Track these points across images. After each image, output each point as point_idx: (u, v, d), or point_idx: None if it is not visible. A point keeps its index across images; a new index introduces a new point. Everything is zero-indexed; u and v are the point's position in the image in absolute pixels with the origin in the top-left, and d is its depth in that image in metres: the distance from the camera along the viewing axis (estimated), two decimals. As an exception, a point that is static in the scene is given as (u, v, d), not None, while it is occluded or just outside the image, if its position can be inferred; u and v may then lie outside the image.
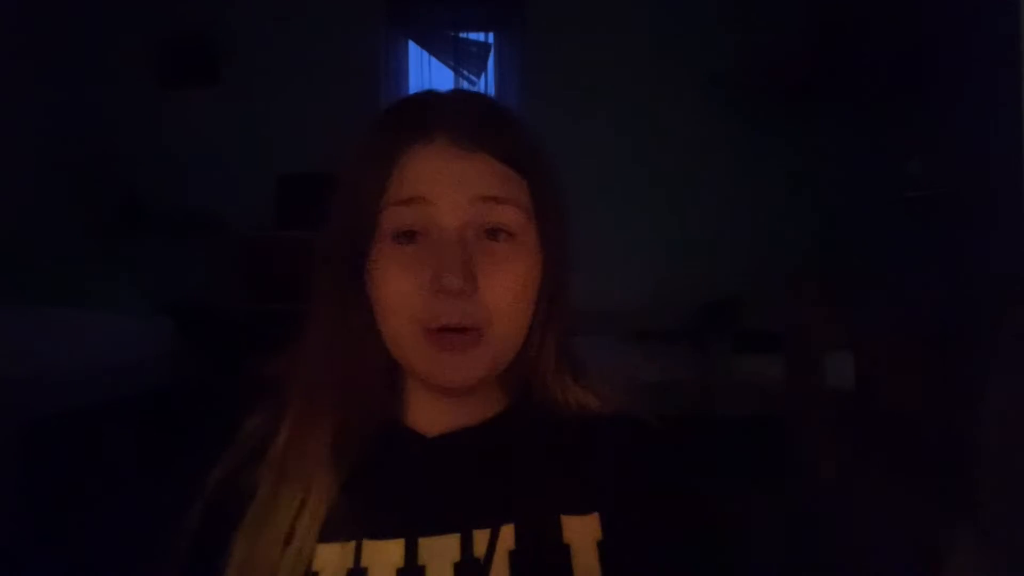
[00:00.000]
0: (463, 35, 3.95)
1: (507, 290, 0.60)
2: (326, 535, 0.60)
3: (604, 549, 0.60)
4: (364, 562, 0.59)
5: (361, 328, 0.63)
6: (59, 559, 1.97)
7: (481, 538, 0.60)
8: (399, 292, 0.60)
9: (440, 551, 0.59)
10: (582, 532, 0.60)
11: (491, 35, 3.97)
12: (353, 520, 0.60)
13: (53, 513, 2.29)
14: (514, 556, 0.59)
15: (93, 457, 2.74)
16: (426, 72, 3.97)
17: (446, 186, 0.60)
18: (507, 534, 0.60)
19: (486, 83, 3.95)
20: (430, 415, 0.65)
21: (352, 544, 0.59)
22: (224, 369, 3.38)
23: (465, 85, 3.94)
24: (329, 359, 0.64)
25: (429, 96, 0.66)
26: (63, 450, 2.63)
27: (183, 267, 3.61)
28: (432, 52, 3.96)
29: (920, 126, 3.43)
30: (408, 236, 0.60)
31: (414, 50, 3.98)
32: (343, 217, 0.63)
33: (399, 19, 3.91)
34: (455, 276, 0.57)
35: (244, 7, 3.87)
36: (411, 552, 0.59)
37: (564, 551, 0.59)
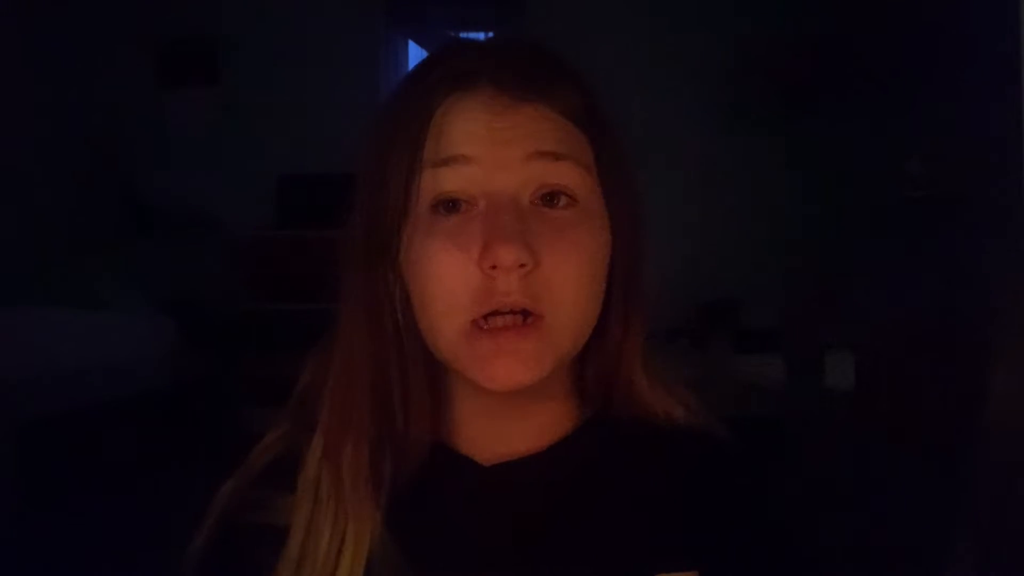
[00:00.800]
0: (463, 35, 3.94)
1: (574, 264, 0.49)
2: (372, 570, 0.50)
3: None
4: None
5: (397, 329, 0.52)
6: (59, 559, 1.97)
7: None
8: (443, 276, 0.49)
9: None
10: None
11: (491, 35, 3.97)
12: (403, 556, 0.50)
13: (52, 513, 2.29)
14: None
15: (92, 457, 2.74)
16: (426, 72, 3.97)
17: (493, 142, 0.49)
18: None
19: (486, 83, 3.95)
20: (485, 436, 0.54)
21: None
22: (224, 369, 3.39)
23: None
24: (361, 369, 0.53)
25: (471, 42, 0.56)
26: (63, 450, 2.63)
27: (183, 267, 3.61)
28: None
29: (920, 126, 3.43)
30: (450, 205, 0.50)
31: (414, 50, 3.98)
32: (371, 189, 0.52)
33: (399, 19, 3.91)
34: (511, 246, 0.46)
35: (244, 7, 3.86)
36: None
37: None
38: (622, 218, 0.54)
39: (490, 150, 0.49)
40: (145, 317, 3.10)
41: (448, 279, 0.49)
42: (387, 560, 0.50)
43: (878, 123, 3.62)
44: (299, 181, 3.65)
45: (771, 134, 3.83)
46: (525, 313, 0.48)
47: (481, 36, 3.66)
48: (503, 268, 0.47)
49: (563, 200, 0.50)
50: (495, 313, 0.48)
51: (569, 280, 0.49)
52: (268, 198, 3.67)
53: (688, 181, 3.88)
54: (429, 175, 0.50)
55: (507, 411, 0.54)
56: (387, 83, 3.88)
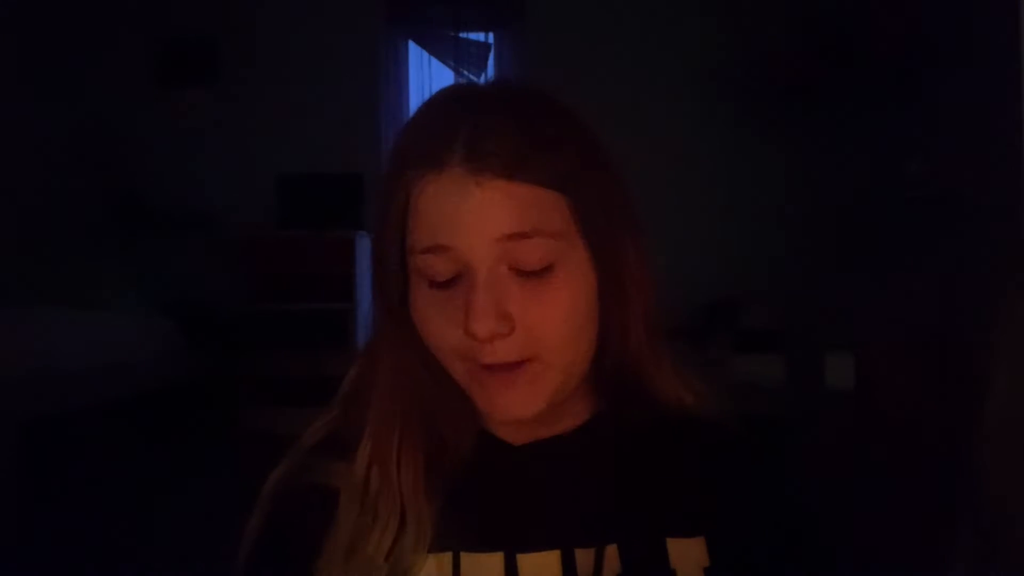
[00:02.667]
0: (463, 35, 3.94)
1: (554, 321, 0.55)
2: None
3: None
4: (463, 574, 0.56)
5: (421, 354, 0.59)
6: (59, 559, 1.97)
7: (584, 558, 0.56)
8: (440, 335, 0.56)
9: (541, 568, 0.56)
10: (688, 557, 0.57)
11: (491, 35, 3.97)
12: (448, 532, 0.57)
13: (53, 513, 2.29)
14: None
15: (93, 457, 2.74)
16: (426, 72, 3.97)
17: (464, 228, 0.53)
18: (611, 555, 0.56)
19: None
20: (519, 423, 0.60)
21: (449, 556, 0.56)
22: (224, 369, 3.39)
23: (465, 85, 3.94)
24: (400, 375, 0.60)
25: (452, 100, 0.59)
26: (63, 450, 2.63)
27: (183, 267, 3.61)
28: (432, 52, 3.95)
29: (920, 126, 3.43)
30: (443, 283, 0.56)
31: (414, 50, 3.98)
32: (377, 255, 0.59)
33: (399, 19, 3.91)
34: (482, 323, 0.53)
35: (244, 7, 3.86)
36: (511, 566, 0.56)
37: None
38: (607, 261, 0.58)
39: (463, 236, 0.54)
40: (145, 317, 3.10)
41: (445, 341, 0.56)
42: (437, 532, 0.56)
43: (878, 123, 3.62)
44: (299, 181, 3.66)
45: (771, 134, 3.83)
46: (513, 364, 0.55)
47: (481, 37, 3.63)
48: (479, 339, 0.53)
49: (538, 269, 0.55)
50: (488, 365, 0.55)
51: (549, 333, 0.55)
52: (268, 198, 3.67)
53: (688, 181, 3.88)
54: (420, 259, 0.56)
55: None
56: (387, 83, 3.89)
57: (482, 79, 3.93)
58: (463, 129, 0.54)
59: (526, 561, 0.56)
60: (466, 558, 0.57)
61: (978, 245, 2.94)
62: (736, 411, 0.65)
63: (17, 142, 3.24)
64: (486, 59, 3.96)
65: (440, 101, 0.60)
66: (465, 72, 3.94)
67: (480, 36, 3.98)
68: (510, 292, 0.54)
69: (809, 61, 3.59)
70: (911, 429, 1.60)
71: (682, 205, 3.87)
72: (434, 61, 3.96)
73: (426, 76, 3.97)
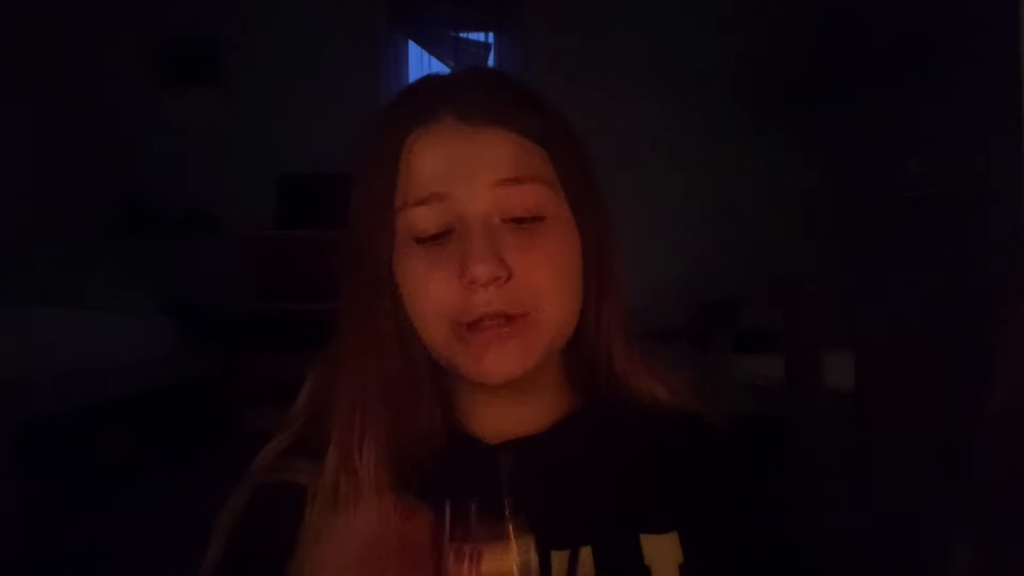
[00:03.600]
0: (463, 35, 3.95)
1: (546, 271, 0.55)
2: None
3: (686, 572, 0.56)
4: None
5: (397, 338, 0.58)
6: (59, 559, 1.97)
7: (559, 560, 0.55)
8: (430, 293, 0.55)
9: None
10: (663, 553, 0.57)
11: (491, 35, 3.97)
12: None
13: (53, 513, 2.29)
14: None
15: (92, 457, 2.74)
16: (426, 72, 3.97)
17: (459, 175, 0.55)
18: (586, 557, 0.56)
19: (486, 83, 3.95)
20: (490, 419, 0.60)
21: None
22: (224, 369, 3.39)
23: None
24: (369, 379, 0.58)
25: (431, 77, 0.62)
26: (63, 450, 2.63)
27: (183, 267, 3.61)
28: (432, 52, 3.96)
29: (920, 126, 3.43)
30: (431, 239, 0.56)
31: (414, 50, 3.98)
32: (358, 221, 0.59)
33: (399, 19, 3.91)
34: (484, 264, 0.52)
35: (244, 7, 3.86)
36: None
37: (645, 575, 0.56)
38: (588, 223, 0.59)
39: (458, 183, 0.54)
40: (145, 317, 3.10)
41: (434, 296, 0.55)
42: None
43: (878, 123, 3.62)
44: (299, 181, 3.65)
45: (771, 134, 3.83)
46: (507, 316, 0.54)
47: (481, 37, 3.64)
48: (480, 283, 0.53)
49: (530, 216, 0.55)
50: (482, 319, 0.54)
51: (543, 284, 0.55)
52: (268, 198, 3.67)
53: (688, 181, 3.88)
54: (410, 213, 0.56)
55: (504, 401, 0.59)
56: (387, 83, 3.88)
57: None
58: (450, 90, 0.57)
59: None
60: None
61: (978, 245, 2.94)
62: (717, 407, 0.65)
63: (17, 142, 3.24)
64: (486, 59, 3.96)
65: (422, 80, 0.62)
66: (465, 72, 3.94)
67: (480, 36, 3.98)
68: (505, 240, 0.54)
69: (809, 61, 3.59)
70: (911, 429, 1.60)
71: (682, 205, 3.87)
72: (434, 61, 3.96)
73: (426, 76, 3.97)
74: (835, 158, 3.76)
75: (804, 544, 0.61)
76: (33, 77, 3.40)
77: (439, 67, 3.95)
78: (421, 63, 3.98)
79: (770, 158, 3.85)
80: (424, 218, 0.55)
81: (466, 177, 0.54)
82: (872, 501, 1.66)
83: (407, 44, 3.97)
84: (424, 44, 3.96)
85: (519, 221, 0.55)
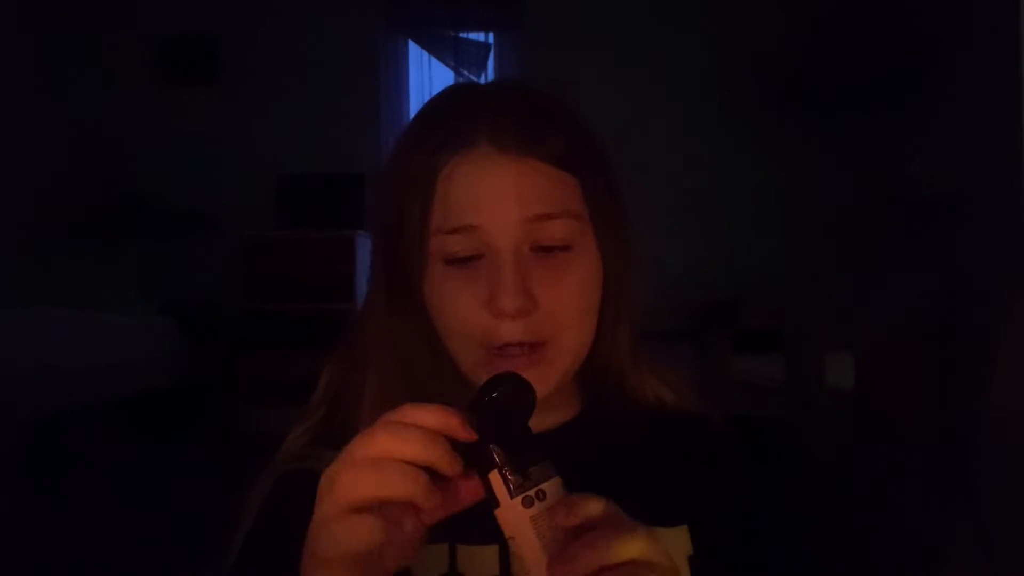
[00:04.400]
0: (463, 35, 3.95)
1: (570, 303, 0.57)
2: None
3: (695, 564, 0.58)
4: (460, 567, 0.58)
5: (423, 343, 0.60)
6: (60, 558, 1.97)
7: None
8: (458, 315, 0.57)
9: None
10: (673, 547, 0.57)
11: (491, 35, 3.97)
12: (445, 525, 0.56)
13: (53, 512, 2.29)
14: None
15: (93, 457, 2.74)
16: (426, 72, 3.97)
17: (494, 208, 0.55)
18: None
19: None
20: None
21: (445, 547, 0.58)
22: (224, 369, 3.39)
23: (465, 85, 3.94)
24: (394, 370, 0.60)
25: (463, 90, 0.62)
26: (63, 450, 2.63)
27: (183, 267, 3.61)
28: (432, 52, 3.96)
29: (920, 126, 3.43)
30: (462, 260, 0.57)
31: (414, 50, 3.98)
32: (392, 243, 0.59)
33: (399, 19, 3.91)
34: (512, 298, 0.54)
35: (244, 7, 3.87)
36: (504, 557, 0.58)
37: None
38: (612, 250, 0.60)
39: (491, 216, 0.55)
40: (145, 317, 3.10)
41: (463, 320, 0.57)
42: (437, 528, 0.56)
43: (878, 123, 3.62)
44: (299, 181, 3.66)
45: (772, 134, 3.83)
46: (531, 345, 0.56)
47: (481, 37, 3.62)
48: (508, 316, 0.55)
49: (558, 246, 0.57)
50: (505, 346, 0.56)
51: (567, 315, 0.57)
52: (268, 198, 3.67)
53: (688, 181, 3.88)
54: (441, 239, 0.56)
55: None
56: (387, 83, 3.89)
57: (482, 79, 3.93)
58: (483, 114, 0.56)
59: None
60: (462, 550, 0.58)
61: (978, 245, 2.94)
62: (719, 407, 0.66)
63: (17, 142, 3.25)
64: (486, 59, 3.96)
65: (452, 92, 0.61)
66: (465, 72, 3.94)
67: (480, 36, 3.98)
68: (533, 271, 0.56)
69: (809, 61, 3.59)
70: (911, 429, 1.60)
71: (682, 205, 3.87)
72: (434, 61, 3.96)
73: (426, 76, 3.97)
74: (835, 158, 3.76)
75: (804, 543, 0.62)
76: (34, 77, 3.40)
77: (439, 67, 3.95)
78: (421, 63, 3.98)
79: (770, 158, 3.85)
80: (457, 243, 0.56)
81: (499, 211, 0.55)
82: (872, 500, 1.66)
83: (407, 44, 3.97)
84: (424, 44, 3.96)
85: (547, 250, 0.57)
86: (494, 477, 0.44)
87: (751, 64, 3.75)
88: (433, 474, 0.42)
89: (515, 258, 0.55)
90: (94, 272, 3.11)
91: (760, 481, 0.64)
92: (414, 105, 3.97)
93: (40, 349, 2.35)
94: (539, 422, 0.60)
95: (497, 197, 0.55)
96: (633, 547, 0.43)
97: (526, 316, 0.55)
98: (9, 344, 2.20)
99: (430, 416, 0.43)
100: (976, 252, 2.94)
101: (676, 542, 0.58)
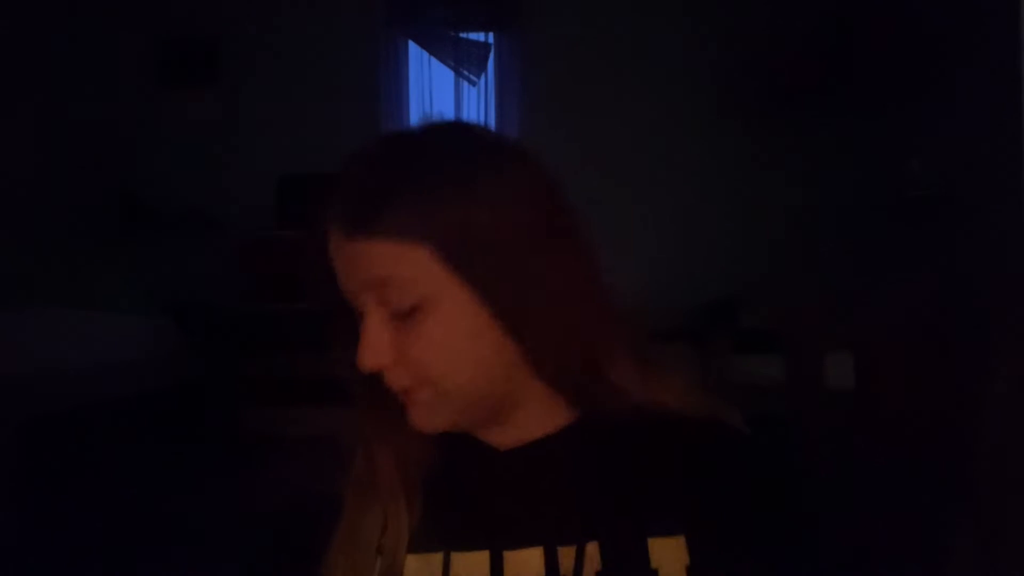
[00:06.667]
0: (463, 35, 3.94)
1: (434, 356, 0.59)
2: (414, 546, 0.62)
3: (693, 575, 0.58)
4: (453, 573, 0.60)
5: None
6: (59, 558, 1.97)
7: (566, 555, 0.59)
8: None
9: (525, 564, 0.59)
10: (670, 556, 0.58)
11: (491, 35, 3.97)
12: (438, 532, 0.62)
13: (53, 513, 2.29)
14: None
15: (93, 457, 2.74)
16: (426, 72, 3.97)
17: (347, 281, 0.61)
18: (592, 553, 0.59)
19: (486, 83, 3.95)
20: (497, 427, 0.65)
21: (439, 555, 0.61)
22: (224, 369, 3.39)
23: (465, 85, 3.94)
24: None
25: (350, 162, 0.64)
26: (63, 450, 2.63)
27: (183, 267, 3.61)
28: (432, 52, 3.95)
29: (920, 126, 3.43)
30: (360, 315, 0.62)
31: (414, 50, 3.98)
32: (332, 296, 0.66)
33: (399, 19, 3.91)
34: (364, 359, 0.60)
35: (244, 7, 3.86)
36: (496, 564, 0.60)
37: None
38: (502, 291, 0.59)
39: (349, 287, 0.61)
40: (145, 317, 3.10)
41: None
42: (426, 532, 0.62)
43: (878, 123, 3.62)
44: (299, 181, 3.65)
45: (771, 134, 3.83)
46: (410, 389, 0.61)
47: (481, 37, 3.62)
48: (367, 371, 0.60)
49: (410, 309, 0.59)
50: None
51: (434, 367, 0.59)
52: (268, 198, 3.67)
53: (689, 181, 3.88)
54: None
55: (486, 419, 0.64)
56: (387, 83, 3.88)
57: (482, 79, 3.94)
58: (340, 192, 0.61)
59: (511, 558, 0.60)
60: (456, 557, 0.61)
61: (978, 245, 2.94)
62: (718, 408, 0.66)
63: (17, 141, 3.24)
64: (486, 59, 3.96)
65: (345, 163, 0.65)
66: (465, 72, 3.94)
67: (480, 36, 3.97)
68: (389, 331, 0.60)
69: (809, 61, 3.59)
70: (911, 429, 1.60)
71: (682, 205, 3.87)
72: (434, 61, 3.96)
73: (426, 76, 3.97)
74: (835, 158, 3.76)
75: (811, 555, 0.61)
76: (33, 77, 3.40)
77: (439, 67, 3.95)
78: (421, 63, 3.97)
79: (770, 158, 3.85)
80: (351, 302, 0.62)
81: (351, 284, 0.61)
82: (872, 500, 1.66)
83: (407, 44, 3.97)
84: (424, 44, 3.96)
85: (402, 314, 0.59)
86: None
87: (751, 65, 3.75)
88: None
89: (373, 320, 0.60)
90: (94, 272, 3.11)
91: (766, 490, 0.62)
92: (414, 105, 3.97)
93: (40, 349, 2.35)
94: (534, 430, 0.64)
95: (348, 273, 0.61)
96: None
97: (387, 370, 0.60)
98: (9, 344, 2.21)
99: None
100: (976, 252, 2.94)
101: (673, 552, 0.58)
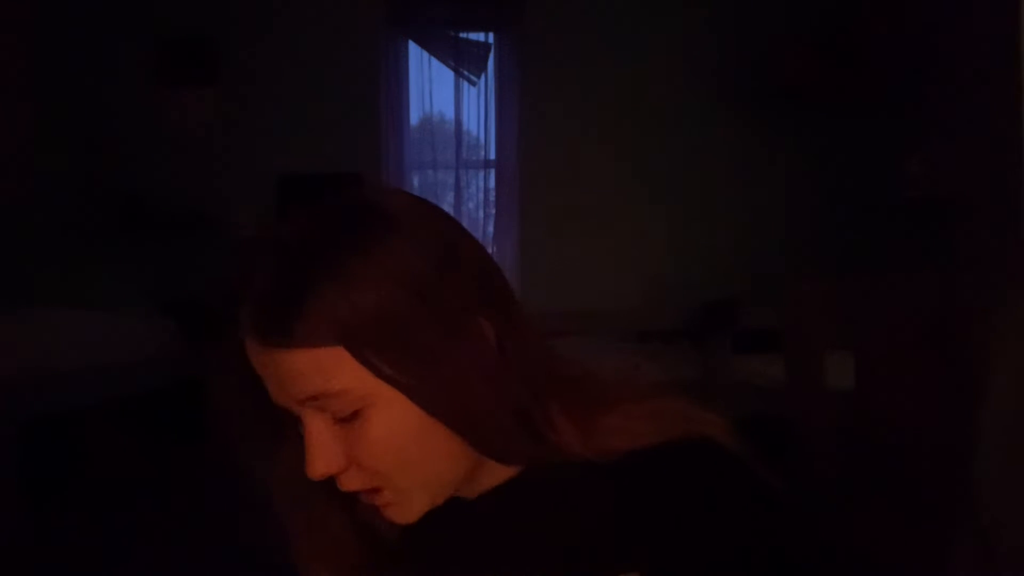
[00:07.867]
0: (463, 35, 3.94)
1: (382, 456, 0.57)
2: None
3: None
4: None
5: None
6: (59, 559, 1.97)
7: None
8: None
9: None
10: None
11: (491, 35, 3.97)
12: (429, 555, 0.63)
13: (53, 513, 2.29)
14: None
15: (93, 457, 2.74)
16: (426, 72, 3.97)
17: (277, 389, 0.58)
18: None
19: (486, 83, 3.95)
20: (466, 479, 0.66)
21: None
22: (224, 369, 3.38)
23: (465, 85, 3.94)
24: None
25: (249, 264, 0.62)
26: (63, 450, 2.63)
27: (183, 266, 3.61)
28: (432, 52, 3.95)
29: (920, 126, 3.43)
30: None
31: (414, 50, 3.98)
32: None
33: (399, 19, 3.90)
34: (311, 469, 0.57)
35: (244, 7, 3.86)
36: None
37: None
38: (421, 384, 0.56)
39: (280, 399, 0.58)
40: (145, 317, 3.10)
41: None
42: None
43: (878, 123, 3.62)
44: (299, 181, 3.65)
45: (771, 134, 3.83)
46: (369, 491, 0.59)
47: (481, 37, 3.62)
48: (316, 480, 0.58)
49: (348, 414, 0.57)
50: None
51: (384, 466, 0.57)
52: (268, 198, 3.67)
53: (689, 180, 3.88)
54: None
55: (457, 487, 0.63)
56: (387, 83, 3.89)
57: (482, 79, 3.94)
58: (248, 301, 0.59)
59: None
60: None
61: (978, 245, 2.94)
62: (691, 424, 0.63)
63: (17, 141, 3.24)
64: (486, 59, 3.96)
65: (245, 258, 0.64)
66: (465, 72, 3.94)
67: (480, 36, 3.97)
68: (334, 437, 0.57)
69: (808, 61, 3.59)
70: (911, 429, 1.60)
71: (682, 205, 3.87)
72: (434, 61, 3.96)
73: (426, 76, 3.97)
74: (835, 158, 3.76)
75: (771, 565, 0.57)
76: (33, 77, 3.40)
77: (439, 67, 3.95)
78: (421, 63, 3.98)
79: (770, 158, 3.85)
80: (286, 409, 0.59)
81: (283, 398, 0.58)
82: (872, 501, 1.66)
83: (407, 44, 3.97)
84: (424, 44, 3.96)
85: (345, 419, 0.57)
86: None
87: (751, 64, 3.75)
88: None
89: (313, 430, 0.57)
90: (94, 272, 3.11)
91: (739, 524, 0.58)
92: (414, 105, 3.97)
93: (40, 349, 2.35)
94: (482, 483, 0.63)
95: (274, 385, 0.58)
96: None
97: (336, 475, 0.58)
98: (9, 344, 2.20)
99: None
100: (976, 252, 2.94)
101: None
